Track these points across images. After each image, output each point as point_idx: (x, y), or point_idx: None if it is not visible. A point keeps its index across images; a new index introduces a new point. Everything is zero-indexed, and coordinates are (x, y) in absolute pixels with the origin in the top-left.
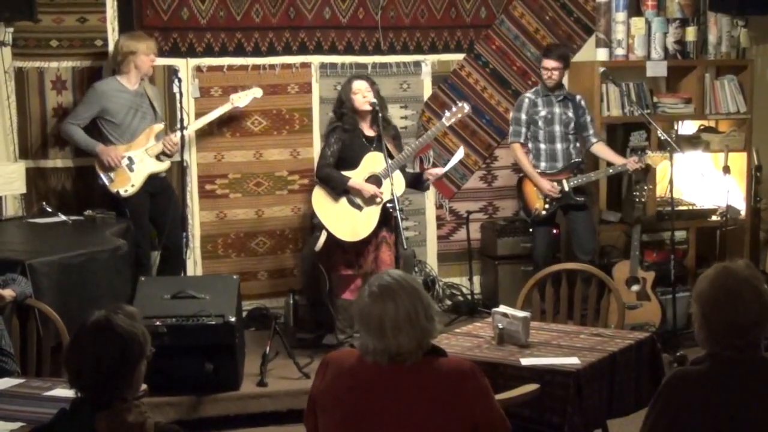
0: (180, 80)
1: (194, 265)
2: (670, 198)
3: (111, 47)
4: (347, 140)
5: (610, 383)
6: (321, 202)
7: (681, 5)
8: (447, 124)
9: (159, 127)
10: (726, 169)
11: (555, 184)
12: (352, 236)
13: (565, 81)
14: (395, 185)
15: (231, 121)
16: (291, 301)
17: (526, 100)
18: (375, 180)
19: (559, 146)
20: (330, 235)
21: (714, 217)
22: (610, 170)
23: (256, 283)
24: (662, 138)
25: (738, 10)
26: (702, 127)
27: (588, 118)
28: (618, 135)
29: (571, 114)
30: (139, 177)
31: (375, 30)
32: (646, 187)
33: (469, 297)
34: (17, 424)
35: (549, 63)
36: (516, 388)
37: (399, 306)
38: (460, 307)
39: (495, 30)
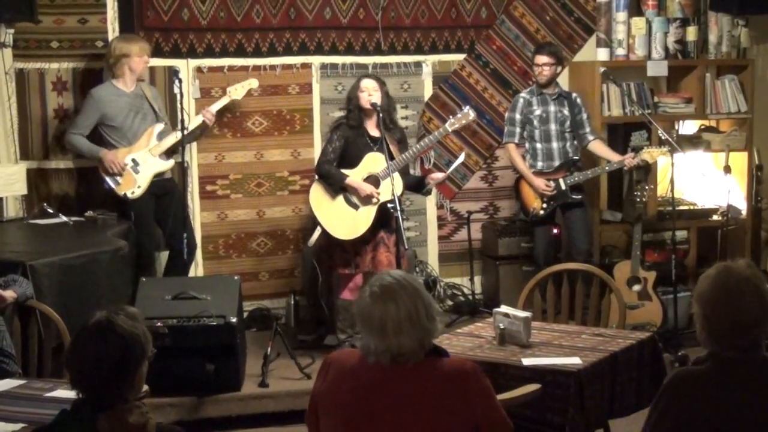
0: (181, 81)
1: (195, 265)
2: (671, 198)
3: None
4: (351, 138)
5: (611, 383)
6: (318, 199)
7: (681, 5)
8: (450, 130)
9: (160, 127)
10: (727, 169)
11: (550, 182)
12: (347, 234)
13: (565, 81)
14: (393, 187)
15: (232, 121)
16: (292, 302)
17: (521, 100)
18: (373, 180)
19: (555, 145)
20: (327, 234)
21: (715, 217)
22: (607, 167)
23: (257, 284)
24: (663, 138)
25: (739, 9)
26: (703, 127)
27: (584, 116)
28: (619, 135)
29: (566, 112)
30: (144, 178)
31: (376, 30)
32: (647, 187)
33: (470, 297)
34: (18, 425)
35: (540, 59)
36: (517, 388)
37: (400, 306)
38: (461, 307)
39: (496, 30)
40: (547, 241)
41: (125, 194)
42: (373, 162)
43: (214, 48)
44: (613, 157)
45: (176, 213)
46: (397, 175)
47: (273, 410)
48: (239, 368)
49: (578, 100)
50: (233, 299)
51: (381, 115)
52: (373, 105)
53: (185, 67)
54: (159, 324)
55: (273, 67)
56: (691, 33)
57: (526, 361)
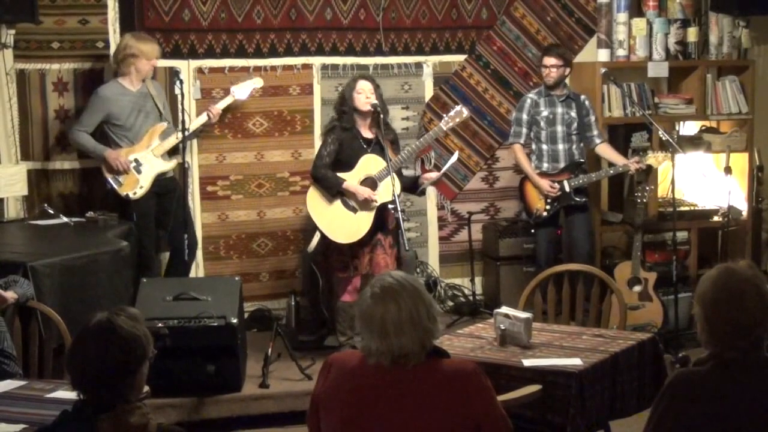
0: (181, 81)
1: (196, 266)
2: (672, 199)
3: (112, 49)
4: (345, 140)
5: (612, 384)
6: (315, 203)
7: (682, 6)
8: (445, 128)
9: (162, 126)
10: (727, 170)
11: (555, 183)
12: (346, 238)
13: (567, 82)
14: (390, 188)
15: (232, 122)
16: (293, 303)
17: (528, 101)
18: (370, 182)
19: (561, 147)
20: (325, 237)
21: (716, 218)
22: (611, 171)
23: (258, 285)
24: (664, 139)
25: (739, 10)
26: (703, 128)
27: (592, 119)
28: (619, 136)
29: (573, 114)
30: (147, 178)
31: (376, 31)
32: (647, 188)
33: (471, 298)
34: (19, 426)
35: (548, 60)
36: (518, 389)
37: (401, 307)
38: (461, 308)
39: (496, 31)
40: (549, 242)
41: (127, 195)
42: (369, 164)
43: (215, 49)
44: (619, 160)
45: (177, 213)
46: (394, 176)
47: (273, 411)
48: (240, 369)
49: (586, 103)
50: (234, 300)
51: (382, 116)
52: (374, 107)
53: (186, 67)
54: (160, 325)
55: (274, 68)
56: (692, 34)
57: (527, 362)
